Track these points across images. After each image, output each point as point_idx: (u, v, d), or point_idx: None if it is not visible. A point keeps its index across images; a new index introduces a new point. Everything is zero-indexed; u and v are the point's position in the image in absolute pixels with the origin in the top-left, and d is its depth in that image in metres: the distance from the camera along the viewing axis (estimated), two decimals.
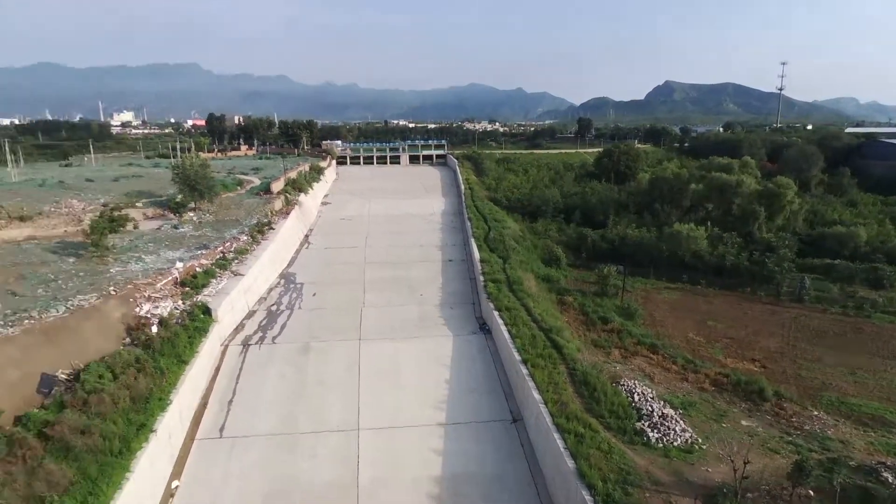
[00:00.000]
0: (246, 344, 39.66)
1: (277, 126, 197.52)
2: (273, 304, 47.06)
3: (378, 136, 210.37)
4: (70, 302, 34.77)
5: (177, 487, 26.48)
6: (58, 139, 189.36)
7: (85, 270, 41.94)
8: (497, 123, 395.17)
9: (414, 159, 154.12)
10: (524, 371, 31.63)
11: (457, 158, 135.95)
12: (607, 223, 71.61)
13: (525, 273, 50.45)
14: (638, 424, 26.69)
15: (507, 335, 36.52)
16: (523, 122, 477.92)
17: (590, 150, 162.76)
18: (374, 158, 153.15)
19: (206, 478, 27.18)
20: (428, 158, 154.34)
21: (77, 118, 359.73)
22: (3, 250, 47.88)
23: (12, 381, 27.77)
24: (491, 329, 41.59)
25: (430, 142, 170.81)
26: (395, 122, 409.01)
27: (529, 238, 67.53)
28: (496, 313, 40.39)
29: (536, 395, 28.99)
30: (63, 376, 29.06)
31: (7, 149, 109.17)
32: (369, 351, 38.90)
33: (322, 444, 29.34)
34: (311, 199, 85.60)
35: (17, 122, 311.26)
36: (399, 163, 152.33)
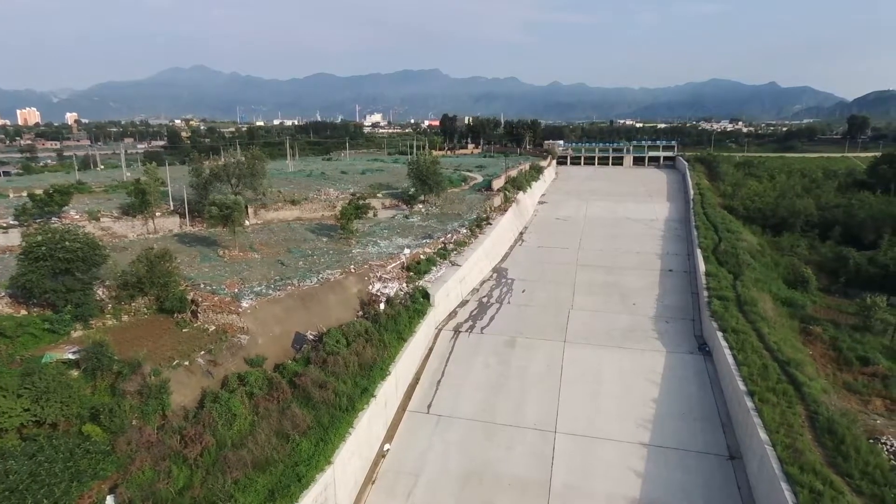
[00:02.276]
0: (457, 330, 42.15)
1: (503, 126, 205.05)
2: (484, 296, 49.15)
3: (602, 137, 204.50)
4: (321, 275, 41.06)
5: (387, 450, 29.48)
6: (323, 137, 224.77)
7: (333, 249, 49.13)
8: (740, 123, 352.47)
9: (638, 161, 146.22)
10: (749, 404, 27.74)
11: (687, 161, 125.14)
12: (879, 244, 58.63)
13: (760, 293, 44.12)
14: None
15: (731, 360, 32.44)
16: (774, 122, 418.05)
17: (862, 155, 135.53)
18: (596, 159, 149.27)
19: (413, 448, 29.72)
20: (654, 160, 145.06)
21: (339, 119, 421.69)
22: (279, 227, 58.73)
23: (276, 335, 33.91)
24: (712, 351, 37.42)
25: (657, 142, 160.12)
26: (622, 121, 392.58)
27: (770, 254, 58.86)
28: (720, 334, 36.15)
29: (763, 435, 25.17)
30: (311, 336, 34.50)
31: (287, 146, 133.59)
32: (573, 354, 38.18)
33: (518, 439, 29.79)
34: (528, 198, 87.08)
35: (296, 122, 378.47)
36: (622, 164, 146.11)
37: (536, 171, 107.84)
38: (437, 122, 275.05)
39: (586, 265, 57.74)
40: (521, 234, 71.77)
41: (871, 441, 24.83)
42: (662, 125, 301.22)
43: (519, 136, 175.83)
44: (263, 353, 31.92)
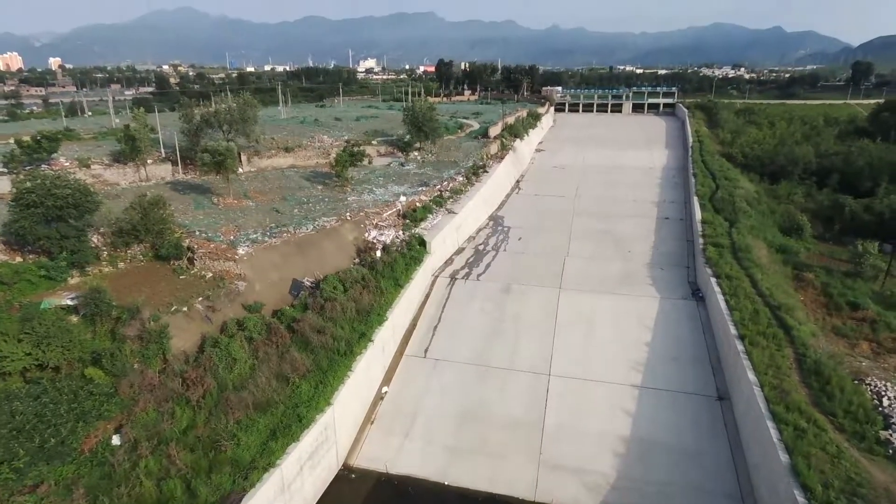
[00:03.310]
0: (453, 277, 42.44)
1: (500, 72, 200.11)
2: (480, 244, 49.23)
3: (601, 83, 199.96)
4: (317, 222, 40.92)
5: (385, 393, 30.22)
6: (316, 83, 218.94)
7: (329, 197, 48.75)
8: (742, 69, 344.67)
9: (638, 108, 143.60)
10: (739, 347, 28.35)
11: (687, 108, 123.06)
12: (876, 191, 58.51)
13: (755, 240, 44.34)
14: (884, 433, 22.21)
15: (723, 305, 32.93)
16: (777, 68, 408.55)
17: (864, 102, 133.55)
18: (594, 106, 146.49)
19: (410, 390, 30.47)
20: (654, 107, 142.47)
21: (332, 65, 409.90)
22: (273, 175, 58.05)
23: (273, 281, 34.07)
24: (705, 296, 37.92)
25: (657, 89, 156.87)
26: (622, 67, 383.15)
27: (766, 202, 58.76)
28: (713, 280, 36.56)
29: (751, 376, 25.85)
30: (308, 283, 34.68)
31: (279, 92, 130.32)
32: (568, 300, 38.63)
33: (513, 381, 30.54)
34: (525, 146, 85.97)
35: (288, 68, 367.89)
36: (621, 111, 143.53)
37: (534, 119, 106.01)
38: (432, 68, 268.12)
39: (583, 213, 57.65)
40: (518, 181, 71.22)
41: (856, 382, 25.54)
42: (663, 71, 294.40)
43: (516, 83, 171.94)
44: (261, 299, 32.16)
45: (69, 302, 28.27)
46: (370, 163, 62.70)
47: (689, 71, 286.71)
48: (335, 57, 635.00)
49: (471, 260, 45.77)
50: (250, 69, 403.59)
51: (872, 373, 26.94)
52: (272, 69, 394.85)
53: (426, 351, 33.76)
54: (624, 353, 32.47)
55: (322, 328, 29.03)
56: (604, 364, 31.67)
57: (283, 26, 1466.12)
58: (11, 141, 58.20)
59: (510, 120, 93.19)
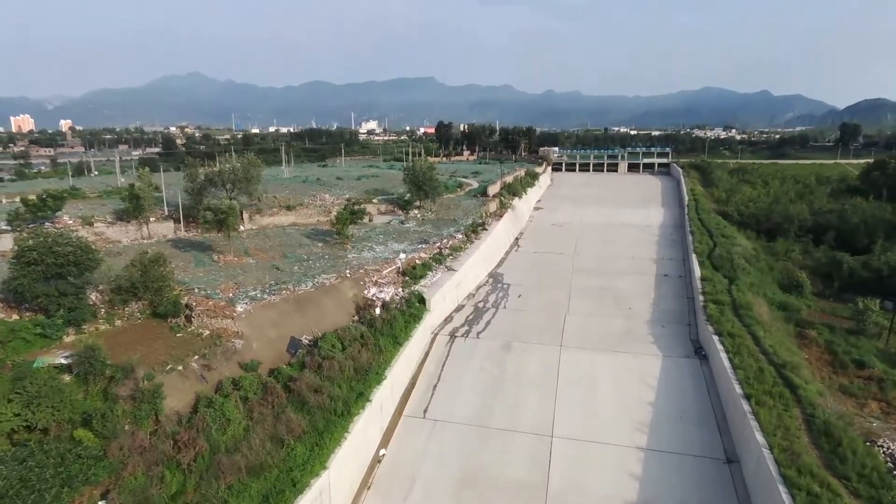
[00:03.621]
0: (453, 335, 42.02)
1: (498, 133, 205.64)
2: (480, 301, 49.05)
3: (597, 143, 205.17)
4: (316, 279, 40.91)
5: (383, 455, 29.25)
6: (319, 144, 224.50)
7: (329, 254, 48.98)
8: (733, 130, 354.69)
9: (633, 167, 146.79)
10: (746, 407, 27.71)
11: (682, 168, 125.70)
12: (873, 249, 58.98)
13: (756, 298, 44.24)
14: None
15: (727, 363, 32.45)
16: (766, 129, 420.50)
17: (854, 162, 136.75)
18: (591, 165, 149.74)
19: (409, 452, 29.51)
20: (649, 167, 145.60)
21: (334, 127, 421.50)
22: (273, 232, 58.55)
23: (271, 339, 33.71)
24: (708, 355, 37.41)
25: (652, 149, 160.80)
26: (617, 128, 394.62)
27: (764, 259, 59.06)
28: (716, 338, 36.19)
29: (760, 437, 25.13)
30: (306, 341, 34.30)
31: (283, 152, 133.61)
32: (569, 359, 38.09)
33: (515, 443, 29.65)
34: (524, 204, 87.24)
35: (291, 129, 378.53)
36: (617, 170, 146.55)
37: (532, 177, 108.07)
38: (432, 130, 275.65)
39: (582, 270, 57.78)
40: (517, 239, 71.80)
41: (868, 444, 24.82)
42: (657, 132, 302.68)
43: (514, 143, 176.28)
44: (258, 357, 31.69)
45: (63, 360, 27.83)
46: (371, 221, 63.41)
47: (681, 132, 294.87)
48: (338, 119, 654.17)
49: (470, 317, 45.46)
50: (255, 130, 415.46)
51: (884, 434, 26.23)
52: (276, 130, 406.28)
53: (425, 411, 32.95)
54: (627, 414, 31.70)
55: (319, 387, 28.46)
56: (607, 425, 30.84)
57: (287, 90, 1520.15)
58: (17, 199, 59.04)
59: (508, 179, 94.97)
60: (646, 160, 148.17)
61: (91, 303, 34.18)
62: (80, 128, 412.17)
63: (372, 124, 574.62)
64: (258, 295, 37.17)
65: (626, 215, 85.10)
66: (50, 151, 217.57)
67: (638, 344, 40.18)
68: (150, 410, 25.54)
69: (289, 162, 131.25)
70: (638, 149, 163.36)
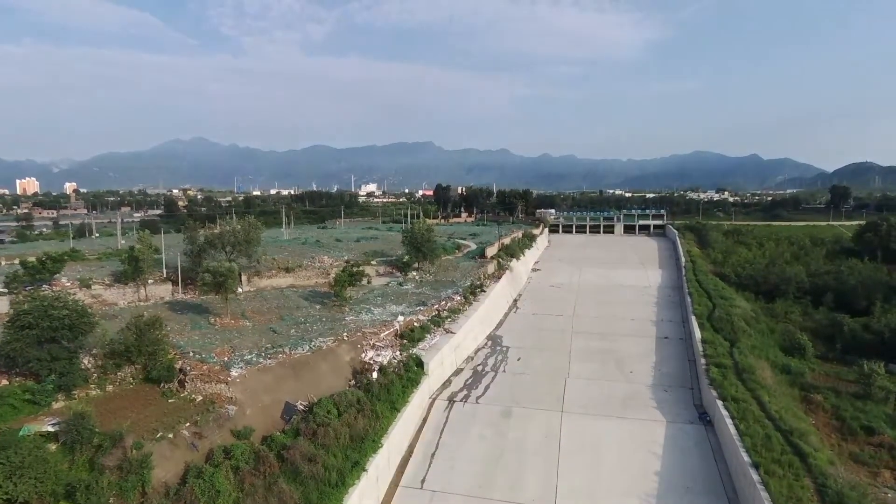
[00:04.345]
0: (451, 400, 41.10)
1: (495, 195, 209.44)
2: (479, 364, 48.31)
3: (592, 206, 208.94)
4: (313, 342, 40.37)
5: None
6: (319, 206, 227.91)
7: (327, 316, 48.61)
8: (726, 193, 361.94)
9: (629, 229, 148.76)
10: (755, 477, 26.77)
11: (677, 229, 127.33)
12: (872, 310, 58.83)
13: (758, 360, 43.68)
14: None
15: (733, 430, 31.61)
16: (758, 192, 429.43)
17: (847, 223, 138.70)
18: (587, 227, 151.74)
19: None
20: (644, 228, 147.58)
21: (335, 189, 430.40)
22: (272, 294, 58.34)
23: (265, 405, 32.90)
24: (713, 420, 36.50)
25: (647, 211, 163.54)
26: (612, 191, 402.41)
27: (764, 320, 58.75)
28: (720, 403, 35.43)
29: None
30: (301, 406, 33.45)
31: (283, 214, 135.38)
32: (571, 425, 37.11)
33: None
34: (521, 265, 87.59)
35: (292, 192, 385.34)
36: (613, 232, 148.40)
37: (529, 239, 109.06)
38: (431, 192, 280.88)
39: (581, 332, 57.29)
40: (516, 301, 71.59)
41: None
42: (651, 195, 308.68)
43: (511, 205, 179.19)
44: (251, 423, 30.80)
45: (50, 428, 26.99)
46: (369, 282, 63.36)
47: (675, 194, 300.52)
48: (338, 182, 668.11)
49: (469, 381, 44.63)
50: (256, 192, 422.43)
51: None
52: (277, 193, 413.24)
53: (423, 482, 31.73)
54: (633, 484, 30.55)
55: (313, 456, 27.52)
56: (612, 496, 29.66)
57: (289, 154, 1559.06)
58: (17, 261, 59.10)
59: (506, 241, 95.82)
60: (641, 222, 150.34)
61: (83, 367, 33.52)
62: (85, 190, 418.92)
63: (371, 187, 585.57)
64: (253, 359, 36.58)
65: (624, 276, 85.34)
66: (53, 213, 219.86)
67: (641, 409, 39.28)
68: (137, 482, 24.53)
69: (289, 224, 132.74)
70: (633, 211, 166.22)
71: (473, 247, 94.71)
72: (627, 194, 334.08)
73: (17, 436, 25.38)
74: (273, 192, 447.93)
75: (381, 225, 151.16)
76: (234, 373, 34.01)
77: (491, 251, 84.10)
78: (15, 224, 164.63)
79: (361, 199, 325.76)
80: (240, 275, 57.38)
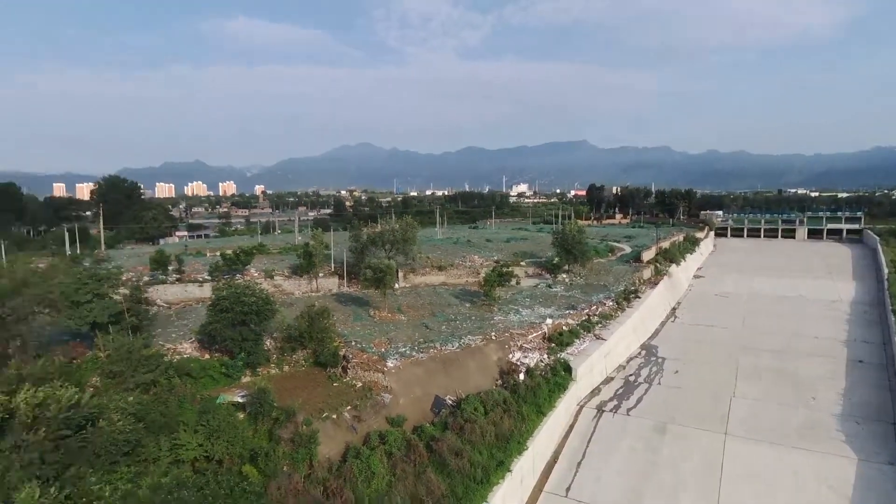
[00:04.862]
0: (600, 409, 39.64)
1: (653, 195, 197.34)
2: (631, 374, 45.94)
3: (768, 207, 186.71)
4: (462, 340, 41.59)
5: None
6: (471, 206, 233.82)
7: (476, 315, 49.74)
8: None
9: (814, 233, 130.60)
10: None
11: (878, 235, 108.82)
12: None
13: None
14: None
15: None
16: None
17: None
18: (761, 231, 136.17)
19: None
20: (834, 233, 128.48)
21: (486, 189, 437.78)
22: (425, 291, 61.24)
23: (417, 396, 34.64)
24: None
25: (837, 213, 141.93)
26: (792, 190, 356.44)
27: None
28: None
29: None
30: (449, 401, 34.66)
31: (437, 214, 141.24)
32: (735, 451, 33.65)
33: None
34: (682, 271, 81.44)
35: (446, 192, 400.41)
36: (794, 237, 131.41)
37: (692, 243, 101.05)
38: (583, 192, 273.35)
39: (750, 348, 51.61)
40: (674, 309, 66.77)
41: None
42: (844, 194, 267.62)
43: (672, 206, 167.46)
44: (404, 413, 32.65)
45: (239, 399, 31.24)
46: (518, 283, 63.52)
47: (876, 193, 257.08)
48: (490, 182, 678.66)
49: (620, 391, 42.64)
50: (413, 193, 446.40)
51: None
52: (432, 193, 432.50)
53: (567, 490, 31.06)
54: None
55: (460, 451, 28.35)
56: None
57: (445, 156, 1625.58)
58: (217, 253, 69.33)
59: (665, 244, 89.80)
60: (831, 225, 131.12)
61: (266, 348, 38.29)
62: (270, 192, 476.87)
63: (522, 187, 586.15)
64: (407, 352, 38.72)
65: (807, 288, 75.15)
66: (245, 212, 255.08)
67: (824, 441, 34.31)
68: (306, 455, 27.37)
69: (442, 223, 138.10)
70: (820, 213, 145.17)
71: (628, 250, 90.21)
72: (813, 193, 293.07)
73: (214, 403, 29.77)
74: (428, 192, 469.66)
75: (530, 226, 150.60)
76: (389, 363, 36.33)
77: (647, 255, 79.39)
78: (217, 221, 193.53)
79: (512, 200, 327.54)
80: (397, 271, 61.04)
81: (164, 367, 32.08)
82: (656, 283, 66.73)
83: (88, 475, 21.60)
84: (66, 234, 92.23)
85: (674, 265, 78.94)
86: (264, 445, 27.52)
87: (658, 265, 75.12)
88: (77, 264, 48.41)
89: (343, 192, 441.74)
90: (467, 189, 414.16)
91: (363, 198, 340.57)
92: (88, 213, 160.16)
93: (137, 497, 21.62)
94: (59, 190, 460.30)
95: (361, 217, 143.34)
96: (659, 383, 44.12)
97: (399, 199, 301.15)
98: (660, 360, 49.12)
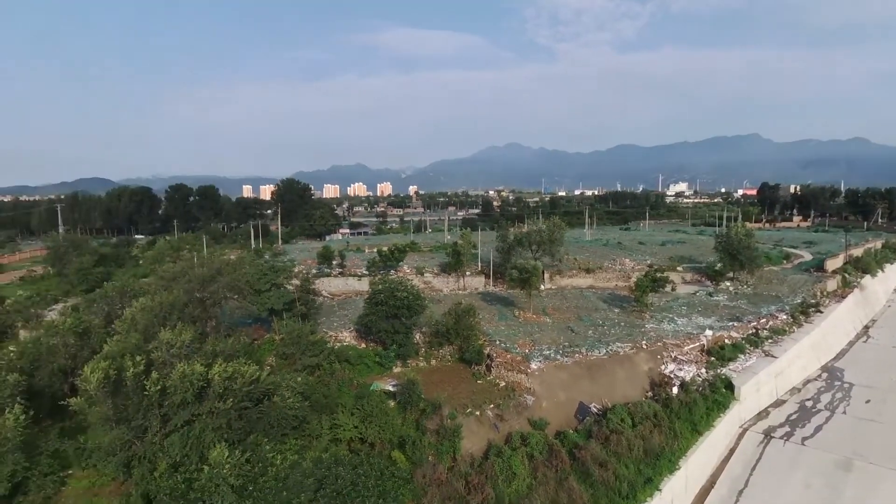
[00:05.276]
0: (768, 435, 35.51)
1: (843, 195, 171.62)
2: (808, 399, 40.47)
3: None
4: (609, 346, 39.96)
5: None
6: (622, 207, 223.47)
7: (625, 321, 47.43)
8: None
9: None
10: None
11: None
12: None
13: None
14: None
15: None
16: None
17: None
18: None
19: None
20: None
21: (640, 189, 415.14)
22: (571, 294, 59.86)
23: (560, 401, 34.05)
24: None
25: None
26: None
27: None
28: None
29: None
30: (594, 409, 33.53)
31: (586, 214, 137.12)
32: None
33: None
34: (878, 284, 69.77)
35: (596, 192, 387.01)
36: None
37: (893, 251, 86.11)
38: (753, 191, 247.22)
39: None
40: (867, 327, 57.50)
41: None
42: None
43: (867, 208, 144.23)
44: (546, 417, 32.24)
45: (390, 388, 33.26)
46: (673, 290, 59.32)
47: None
48: (644, 181, 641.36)
49: (793, 417, 37.78)
50: (562, 193, 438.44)
51: None
52: (581, 193, 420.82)
53: None
54: None
55: (605, 462, 27.28)
56: None
57: (594, 155, 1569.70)
58: (375, 250, 74.53)
59: (857, 251, 77.69)
60: None
61: (415, 342, 40.29)
62: (423, 192, 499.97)
63: (681, 186, 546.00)
64: (551, 355, 38.16)
65: None
66: (400, 211, 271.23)
67: None
68: (450, 448, 28.30)
69: (591, 224, 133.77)
70: None
71: (808, 257, 79.63)
72: None
73: (368, 389, 32.04)
74: (577, 192, 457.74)
75: (689, 228, 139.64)
76: (533, 365, 36.11)
77: (833, 263, 69.28)
78: (375, 220, 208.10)
79: (669, 200, 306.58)
80: (543, 272, 60.44)
81: (327, 353, 35.31)
82: (844, 297, 57.99)
83: (264, 443, 24.51)
84: (252, 230, 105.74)
85: (868, 276, 67.92)
86: (412, 434, 28.99)
87: (846, 276, 65.21)
88: (259, 257, 55.15)
89: (491, 192, 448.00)
90: (619, 188, 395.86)
91: (510, 198, 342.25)
92: (269, 211, 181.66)
93: (302, 468, 24.07)
94: (246, 191, 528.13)
95: (509, 217, 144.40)
96: (844, 412, 38.30)
97: (547, 199, 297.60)
98: (846, 386, 42.62)
